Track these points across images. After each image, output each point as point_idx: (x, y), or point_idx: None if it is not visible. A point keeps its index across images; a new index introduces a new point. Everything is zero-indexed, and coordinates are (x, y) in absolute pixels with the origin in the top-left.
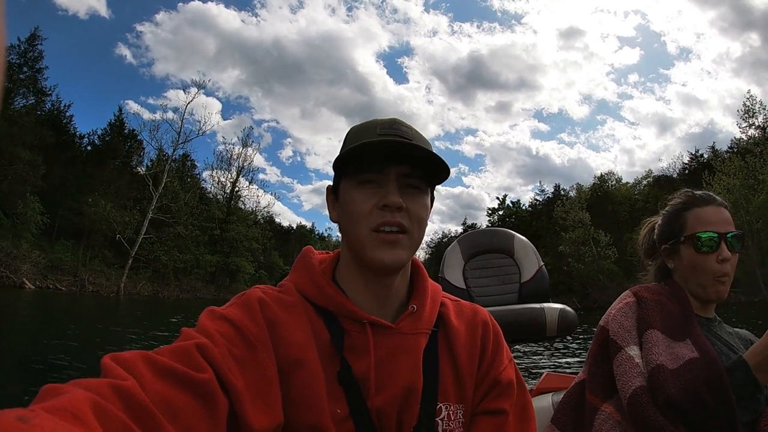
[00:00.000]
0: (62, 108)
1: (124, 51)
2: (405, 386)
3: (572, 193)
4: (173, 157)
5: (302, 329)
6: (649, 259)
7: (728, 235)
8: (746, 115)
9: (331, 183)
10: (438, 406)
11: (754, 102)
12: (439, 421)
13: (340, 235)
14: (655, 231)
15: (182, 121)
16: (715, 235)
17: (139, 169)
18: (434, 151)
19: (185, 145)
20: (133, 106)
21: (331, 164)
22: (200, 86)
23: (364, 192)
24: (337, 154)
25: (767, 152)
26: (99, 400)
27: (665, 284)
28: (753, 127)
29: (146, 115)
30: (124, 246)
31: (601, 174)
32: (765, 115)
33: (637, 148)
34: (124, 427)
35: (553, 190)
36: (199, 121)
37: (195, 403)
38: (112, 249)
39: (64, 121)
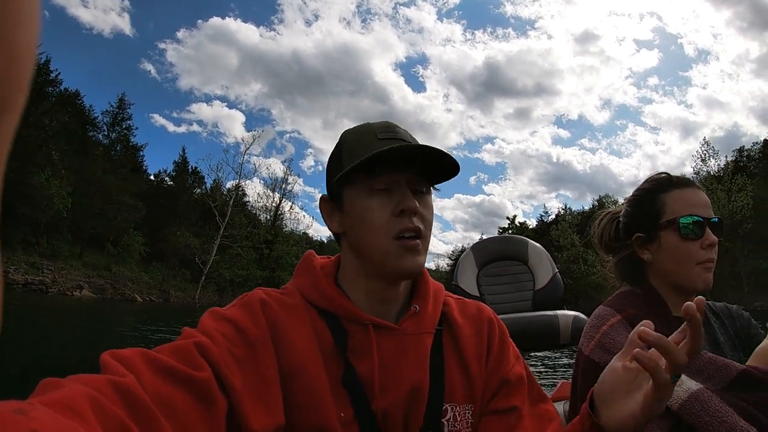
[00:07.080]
0: (136, 148)
1: (149, 66)
2: (410, 388)
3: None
4: (232, 190)
5: (304, 331)
6: (610, 254)
7: (712, 220)
8: (700, 159)
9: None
10: (444, 407)
11: (708, 147)
12: (445, 423)
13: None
14: (621, 220)
15: (241, 163)
16: (701, 219)
17: (203, 199)
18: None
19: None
20: (158, 119)
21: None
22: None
23: (378, 200)
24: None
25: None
26: (97, 395)
27: (639, 289)
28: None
29: (171, 127)
30: (197, 265)
31: (600, 197)
32: (716, 160)
33: (660, 153)
34: (121, 423)
35: (556, 210)
36: (254, 165)
37: (193, 402)
38: (188, 268)
39: (139, 161)
